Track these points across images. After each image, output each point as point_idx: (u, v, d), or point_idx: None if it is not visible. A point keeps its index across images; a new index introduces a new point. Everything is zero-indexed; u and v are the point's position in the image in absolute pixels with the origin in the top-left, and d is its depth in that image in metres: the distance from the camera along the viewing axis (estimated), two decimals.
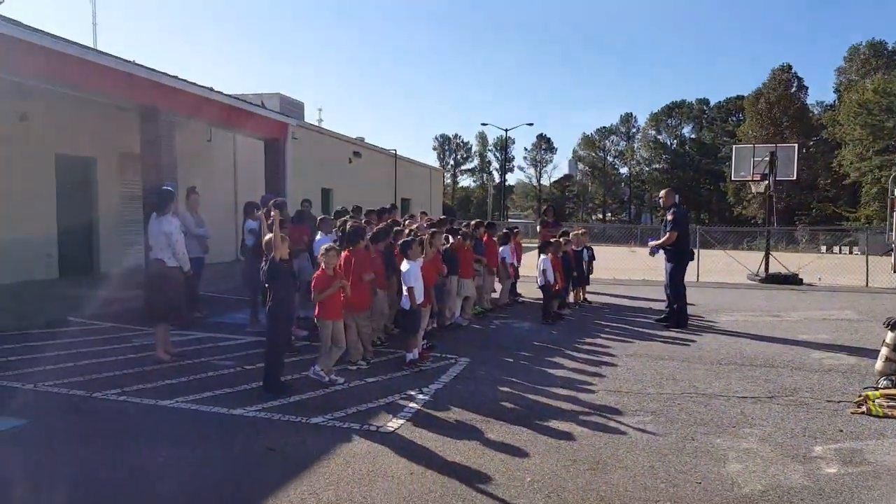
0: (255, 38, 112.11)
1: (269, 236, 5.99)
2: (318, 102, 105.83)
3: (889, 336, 5.71)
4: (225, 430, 4.78)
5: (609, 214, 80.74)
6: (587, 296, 12.14)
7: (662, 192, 9.92)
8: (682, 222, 9.24)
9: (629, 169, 79.61)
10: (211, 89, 13.57)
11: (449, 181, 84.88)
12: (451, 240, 9.28)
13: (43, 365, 6.34)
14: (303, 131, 20.01)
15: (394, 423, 4.91)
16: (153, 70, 11.42)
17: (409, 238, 7.39)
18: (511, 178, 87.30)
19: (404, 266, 6.91)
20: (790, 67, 54.89)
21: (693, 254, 9.49)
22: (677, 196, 9.75)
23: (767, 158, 15.30)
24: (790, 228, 33.55)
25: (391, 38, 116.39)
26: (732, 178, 17.44)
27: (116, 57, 10.93)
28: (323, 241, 7.69)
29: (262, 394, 5.55)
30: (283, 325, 5.79)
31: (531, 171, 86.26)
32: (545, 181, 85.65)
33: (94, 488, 3.82)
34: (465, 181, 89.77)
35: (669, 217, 9.26)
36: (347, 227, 7.36)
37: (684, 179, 69.84)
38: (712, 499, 3.69)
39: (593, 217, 79.84)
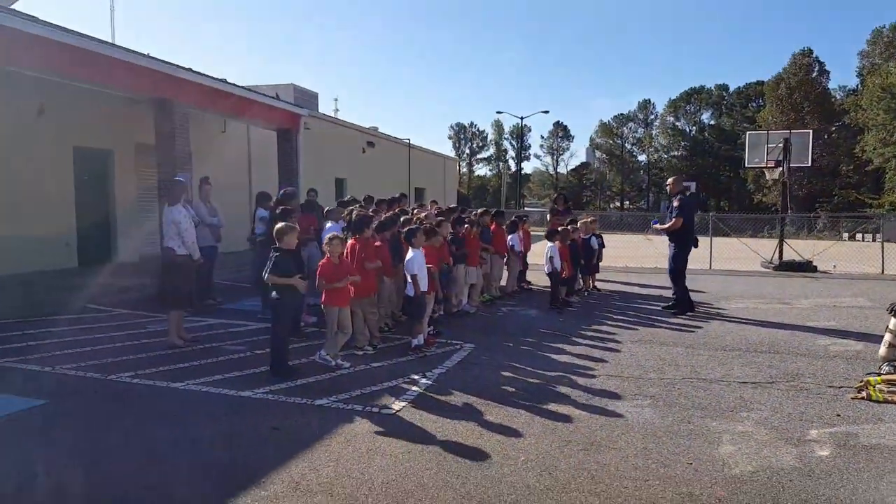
0: (272, 29, 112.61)
1: (279, 225, 6.12)
2: (334, 93, 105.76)
3: (892, 322, 5.68)
4: (233, 410, 4.94)
5: (627, 202, 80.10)
6: (596, 283, 12.16)
7: (670, 179, 9.96)
8: (688, 209, 9.23)
9: (647, 156, 78.79)
10: (224, 81, 13.76)
11: (465, 170, 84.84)
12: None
13: (61, 349, 6.60)
14: (316, 121, 20.15)
15: (396, 405, 5.03)
16: (167, 63, 11.62)
17: (412, 226, 7.48)
18: (528, 167, 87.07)
19: (409, 254, 7.00)
20: (811, 52, 53.77)
21: (697, 241, 9.48)
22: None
23: (781, 145, 15.09)
24: (805, 215, 33.02)
25: (406, 27, 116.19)
26: (746, 165, 17.21)
27: (130, 50, 11.14)
28: (332, 230, 7.81)
29: (269, 377, 5.71)
30: (286, 311, 5.93)
31: (548, 159, 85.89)
32: (562, 169, 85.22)
33: (106, 463, 3.99)
34: (482, 170, 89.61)
35: (676, 203, 9.26)
36: (353, 215, 7.46)
37: (703, 167, 68.96)
38: (701, 478, 3.75)
39: (611, 205, 79.26)
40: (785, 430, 4.51)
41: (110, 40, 14.86)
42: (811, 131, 17.50)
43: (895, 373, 5.43)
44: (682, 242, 9.24)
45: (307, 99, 22.32)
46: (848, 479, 3.72)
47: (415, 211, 10.56)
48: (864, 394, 5.11)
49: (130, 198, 12.93)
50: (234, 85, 13.96)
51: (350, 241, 7.03)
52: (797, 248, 16.28)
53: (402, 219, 8.46)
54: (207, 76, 12.87)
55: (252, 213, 9.87)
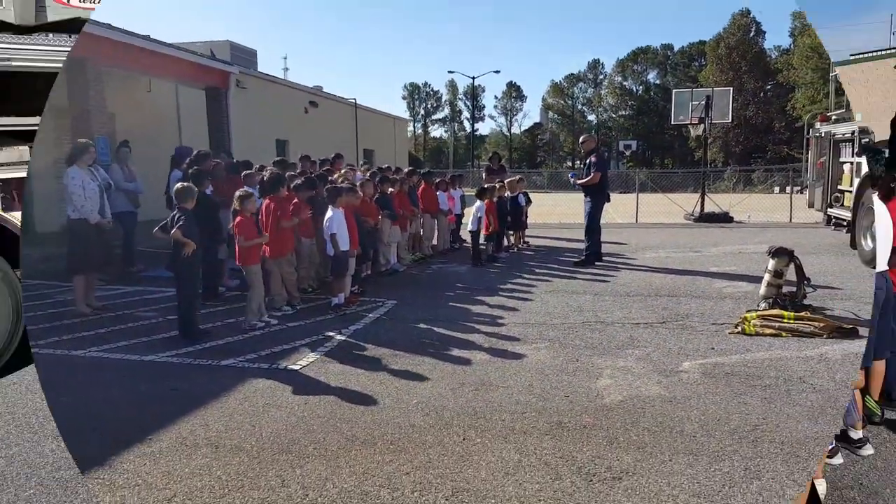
0: None
1: (177, 186, 6.02)
2: (282, 51, 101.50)
3: (770, 263, 6.11)
4: (133, 374, 4.89)
5: (577, 162, 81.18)
6: (526, 239, 12.44)
7: (584, 137, 10.34)
8: (604, 165, 9.60)
9: (597, 116, 79.66)
10: (147, 38, 13.07)
11: (420, 132, 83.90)
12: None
13: None
14: (253, 80, 19.48)
15: (303, 361, 5.07)
16: None
17: (332, 186, 7.47)
18: (484, 128, 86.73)
19: (328, 213, 7.02)
20: (748, 12, 55.45)
21: (609, 196, 9.88)
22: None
23: (703, 102, 15.75)
24: (721, 170, 34.54)
25: None
26: (672, 122, 17.91)
27: None
28: None
29: (178, 341, 5.62)
30: (192, 272, 5.87)
31: (502, 119, 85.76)
32: (516, 129, 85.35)
33: None
34: (437, 131, 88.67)
35: (594, 159, 9.57)
36: (266, 176, 7.39)
37: (649, 125, 70.32)
38: (573, 408, 4.01)
39: (564, 165, 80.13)
40: (661, 363, 4.84)
41: None
42: (731, 89, 18.34)
43: (770, 309, 5.86)
44: (598, 197, 9.58)
45: (245, 56, 21.45)
46: (703, 402, 4.06)
47: (342, 172, 10.52)
48: (739, 329, 5.51)
49: (45, 164, 12.29)
50: (154, 41, 13.28)
51: (265, 202, 6.98)
52: (724, 201, 17.04)
53: (324, 180, 8.40)
54: (122, 31, 12.20)
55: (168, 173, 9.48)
